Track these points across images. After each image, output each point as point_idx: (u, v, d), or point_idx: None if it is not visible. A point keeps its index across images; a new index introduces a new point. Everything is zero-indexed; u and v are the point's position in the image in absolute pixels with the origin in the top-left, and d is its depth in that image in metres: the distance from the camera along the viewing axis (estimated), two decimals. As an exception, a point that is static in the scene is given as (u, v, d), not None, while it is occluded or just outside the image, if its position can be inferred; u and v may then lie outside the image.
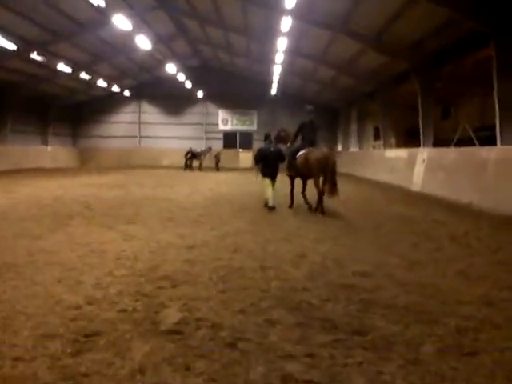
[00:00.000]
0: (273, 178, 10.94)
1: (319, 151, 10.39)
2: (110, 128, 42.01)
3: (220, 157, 33.81)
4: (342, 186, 19.02)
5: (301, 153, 10.65)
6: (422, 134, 17.28)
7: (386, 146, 23.15)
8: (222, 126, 42.00)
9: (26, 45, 24.04)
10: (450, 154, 14.25)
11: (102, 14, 22.56)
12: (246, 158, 40.50)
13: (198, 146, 36.02)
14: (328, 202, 11.36)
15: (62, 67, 28.14)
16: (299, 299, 4.34)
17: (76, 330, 3.52)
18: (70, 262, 5.55)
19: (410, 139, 24.27)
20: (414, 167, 16.72)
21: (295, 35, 19.75)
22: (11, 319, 3.69)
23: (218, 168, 32.83)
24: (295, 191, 11.43)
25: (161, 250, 6.27)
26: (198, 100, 40.97)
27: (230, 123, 41.94)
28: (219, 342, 3.38)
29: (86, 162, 39.68)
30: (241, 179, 21.96)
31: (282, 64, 25.38)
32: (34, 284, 4.62)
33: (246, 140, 41.50)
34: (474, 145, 16.36)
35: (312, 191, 10.92)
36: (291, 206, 11.17)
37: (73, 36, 25.10)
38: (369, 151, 27.53)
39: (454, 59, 15.99)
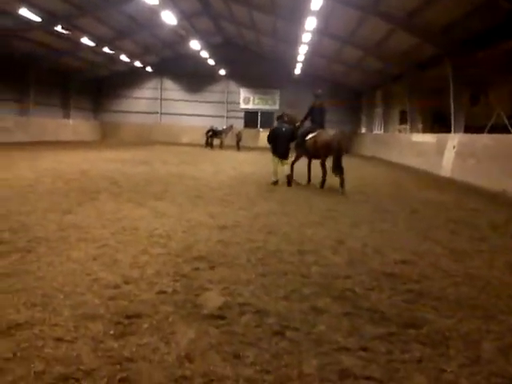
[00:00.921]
0: (283, 157, 11.43)
1: (327, 134, 11.22)
2: (131, 103, 41.94)
3: (241, 136, 33.45)
4: (368, 167, 18.92)
5: (311, 135, 11.29)
6: (452, 120, 16.77)
7: (413, 130, 22.63)
8: (243, 105, 41.64)
9: (50, 17, 23.91)
10: (483, 140, 13.79)
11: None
12: (265, 137, 40.06)
13: (219, 125, 35.67)
14: (357, 184, 11.33)
15: (86, 41, 28.00)
16: (342, 287, 4.16)
17: (116, 310, 3.40)
18: (103, 238, 5.43)
19: (436, 124, 23.73)
20: (444, 153, 16.28)
21: (324, 15, 19.17)
22: (49, 297, 3.57)
23: (239, 147, 32.48)
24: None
25: (193, 230, 6.13)
26: (220, 78, 40.58)
27: (251, 102, 41.54)
28: (266, 330, 3.22)
29: (107, 137, 39.75)
30: (263, 159, 21.65)
31: (309, 44, 24.77)
32: (70, 260, 4.51)
33: (267, 119, 41.04)
34: (506, 132, 15.82)
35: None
36: (309, 182, 11.87)
37: (98, 10, 24.89)
38: (394, 134, 27.00)
39: (489, 44, 15.32)
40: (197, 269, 4.48)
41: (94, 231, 5.77)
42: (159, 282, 4.06)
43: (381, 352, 2.97)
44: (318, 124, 11.47)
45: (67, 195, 8.44)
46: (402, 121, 27.16)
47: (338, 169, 10.50)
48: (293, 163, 11.88)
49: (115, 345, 2.89)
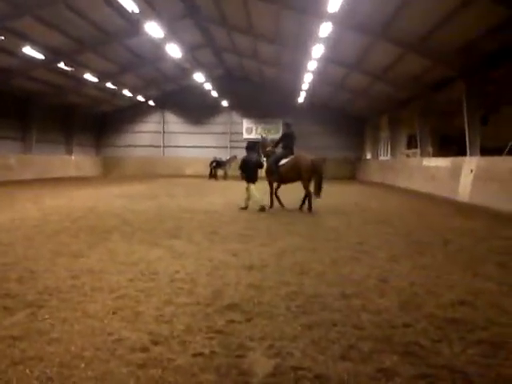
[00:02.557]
0: (253, 181, 12.42)
1: (307, 159, 12.00)
2: (133, 137, 41.85)
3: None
4: (381, 194, 18.37)
5: (285, 160, 12.20)
6: (468, 143, 16.30)
7: (424, 154, 22.19)
8: (246, 135, 41.45)
9: (53, 54, 23.85)
10: (506, 163, 13.24)
11: (132, 24, 22.25)
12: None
13: (223, 155, 35.42)
14: (378, 212, 10.89)
15: (89, 77, 27.94)
16: (405, 339, 3.58)
17: (149, 383, 2.82)
18: (120, 286, 4.87)
19: (444, 148, 23.32)
20: (460, 177, 15.77)
21: (331, 41, 18.96)
22: (68, 367, 3.00)
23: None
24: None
25: (217, 272, 5.56)
26: (222, 109, 40.56)
27: (254, 132, 41.35)
28: (335, 405, 2.63)
29: (110, 172, 39.45)
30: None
31: (314, 72, 24.59)
32: (86, 316, 3.94)
33: (270, 149, 40.76)
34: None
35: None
36: (271, 207, 12.74)
37: (100, 46, 24.87)
38: (403, 159, 26.55)
39: (505, 63, 14.92)
40: (232, 321, 3.91)
41: (109, 278, 5.20)
42: (192, 340, 3.50)
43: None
44: (290, 150, 12.44)
45: (76, 236, 7.91)
46: (410, 145, 26.80)
47: (320, 190, 11.68)
48: (271, 193, 12.91)
49: None
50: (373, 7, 15.68)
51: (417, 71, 19.93)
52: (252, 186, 12.40)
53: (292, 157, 12.18)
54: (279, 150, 12.75)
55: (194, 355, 3.23)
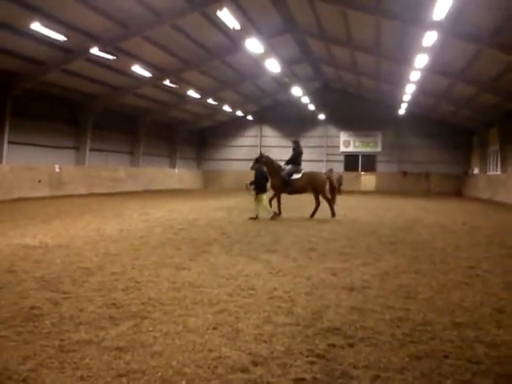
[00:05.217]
0: (263, 192, 13.39)
1: (320, 174, 14.92)
2: (232, 151, 43.05)
3: (342, 180, 32.56)
4: (490, 212, 17.02)
5: (298, 175, 13.74)
6: None
7: (540, 169, 20.34)
8: (343, 149, 40.92)
9: (159, 72, 25.32)
10: None
11: (233, 41, 22.98)
12: (368, 180, 38.91)
13: (318, 169, 35.13)
14: (492, 232, 10.07)
15: (192, 93, 29.29)
16: (530, 380, 3.18)
17: (250, 407, 2.75)
18: (220, 300, 4.91)
19: None
20: None
21: (435, 50, 18.12)
22: (169, 383, 3.02)
23: (340, 191, 31.52)
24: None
25: (316, 291, 5.41)
26: (319, 123, 40.42)
27: (351, 145, 40.73)
28: None
29: (209, 184, 40.88)
30: (370, 203, 20.61)
31: (416, 83, 23.69)
32: (187, 330, 3.99)
33: (368, 162, 39.92)
34: None
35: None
36: (279, 214, 13.69)
37: (203, 63, 25.96)
38: (515, 175, 24.56)
39: None
40: (333, 346, 3.73)
41: (209, 291, 5.28)
42: (293, 363, 3.38)
43: None
44: (299, 165, 14.04)
45: (179, 248, 8.18)
46: (524, 160, 24.73)
47: (335, 199, 13.97)
48: (271, 200, 13.85)
49: None
50: (481, 13, 14.73)
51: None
52: (264, 197, 13.32)
53: (305, 172, 13.97)
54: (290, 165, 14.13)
55: (295, 380, 3.11)
